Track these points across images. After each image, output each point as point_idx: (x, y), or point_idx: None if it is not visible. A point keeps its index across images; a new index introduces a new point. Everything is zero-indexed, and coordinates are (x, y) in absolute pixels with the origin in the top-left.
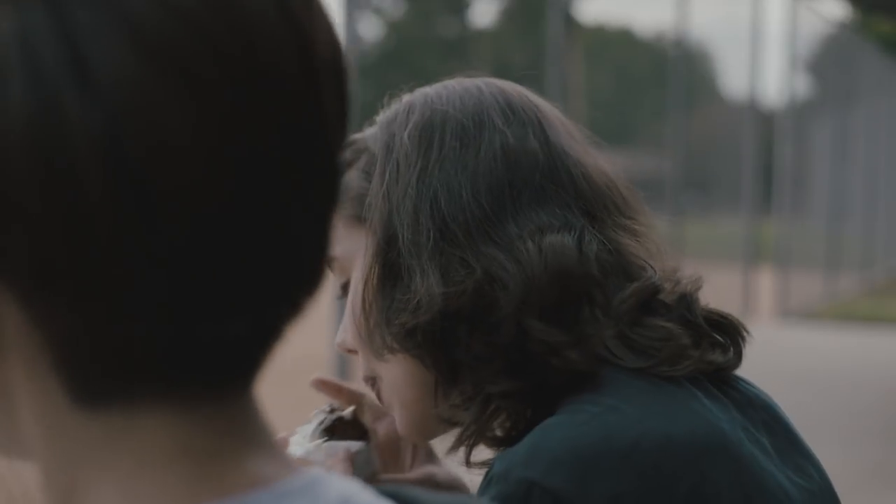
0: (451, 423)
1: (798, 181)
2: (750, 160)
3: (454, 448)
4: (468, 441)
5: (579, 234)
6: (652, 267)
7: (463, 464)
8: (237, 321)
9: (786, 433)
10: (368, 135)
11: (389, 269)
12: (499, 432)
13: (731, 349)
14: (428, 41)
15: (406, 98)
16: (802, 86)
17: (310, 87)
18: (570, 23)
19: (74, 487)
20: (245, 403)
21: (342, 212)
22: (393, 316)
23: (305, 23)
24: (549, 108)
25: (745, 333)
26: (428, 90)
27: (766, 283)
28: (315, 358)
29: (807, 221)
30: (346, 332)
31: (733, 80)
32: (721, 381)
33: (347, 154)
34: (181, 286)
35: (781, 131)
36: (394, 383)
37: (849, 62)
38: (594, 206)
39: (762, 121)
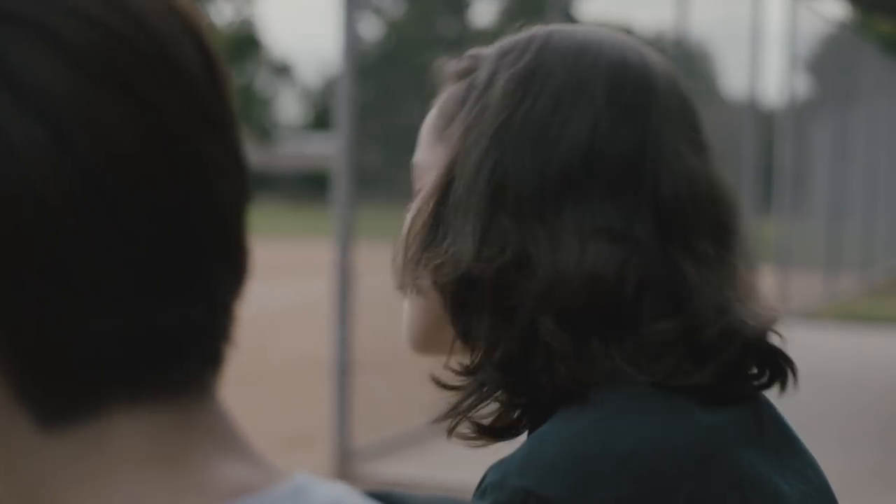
0: (443, 386)
1: (798, 181)
2: (750, 160)
3: (439, 420)
4: (453, 419)
5: (633, 249)
6: (704, 301)
7: (446, 433)
8: (194, 308)
9: (784, 434)
10: (486, 56)
11: (437, 213)
12: (484, 421)
13: (764, 381)
14: (428, 41)
15: (533, 31)
16: (802, 86)
17: (214, 81)
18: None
19: None
20: (209, 406)
21: (435, 121)
22: (424, 260)
23: (193, 17)
24: (669, 94)
25: (790, 372)
26: (555, 31)
27: (766, 283)
28: (315, 358)
29: (807, 221)
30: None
31: (733, 80)
32: None
33: (464, 63)
34: (145, 280)
35: (781, 131)
36: (413, 304)
37: (849, 62)
38: (670, 219)
39: (762, 121)
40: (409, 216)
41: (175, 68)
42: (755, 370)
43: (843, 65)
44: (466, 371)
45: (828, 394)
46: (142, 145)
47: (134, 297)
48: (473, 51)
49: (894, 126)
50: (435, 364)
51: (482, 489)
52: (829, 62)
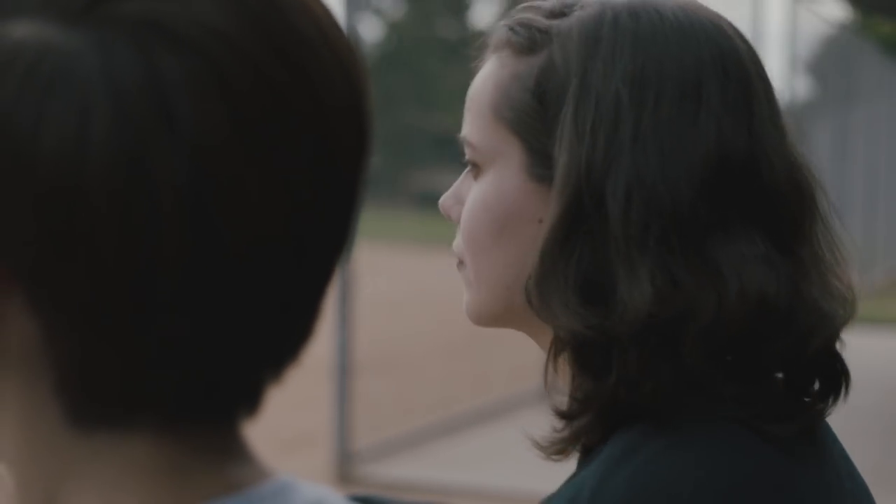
0: (563, 416)
1: None
2: None
3: (557, 451)
4: (570, 445)
5: (779, 274)
6: (810, 313)
7: (554, 455)
8: (257, 373)
9: (844, 457)
10: (559, 35)
11: (571, 232)
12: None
13: (828, 403)
14: (428, 42)
15: (607, 12)
16: (802, 87)
17: (361, 152)
18: None
19: (53, 499)
20: (229, 424)
21: (493, 99)
22: (571, 294)
23: (361, 86)
24: (759, 76)
25: (844, 385)
26: (636, 10)
27: None
28: (315, 358)
29: None
30: (460, 241)
31: None
32: None
33: (522, 36)
34: (223, 336)
35: None
36: (491, 292)
37: (849, 63)
38: (780, 227)
39: None
40: (476, 201)
41: (327, 130)
42: (817, 384)
43: (844, 66)
44: (586, 400)
45: None
46: (259, 202)
47: (203, 351)
48: (525, 15)
49: (894, 127)
50: (433, 365)
51: None
52: (829, 63)
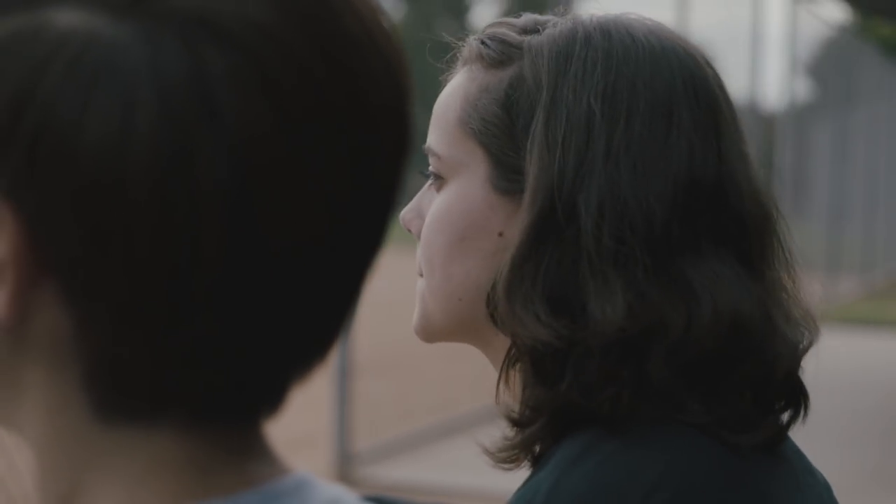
0: (516, 423)
1: (798, 184)
2: None
3: (503, 457)
4: (520, 450)
5: (751, 295)
6: (779, 339)
7: (504, 464)
8: (285, 373)
9: (798, 455)
10: (529, 51)
11: (539, 246)
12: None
13: (789, 419)
14: (428, 43)
15: (579, 30)
16: (802, 89)
17: (402, 153)
18: None
19: (75, 489)
20: (258, 423)
21: (461, 111)
22: (539, 304)
23: (406, 87)
24: (727, 104)
25: (803, 407)
26: (607, 29)
27: None
28: None
29: (807, 224)
30: (421, 253)
31: (733, 82)
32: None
33: (494, 50)
34: (255, 336)
35: (782, 134)
36: (447, 305)
37: (849, 65)
38: (747, 250)
39: (762, 124)
40: (439, 211)
41: (369, 131)
42: (781, 403)
43: (844, 68)
44: (539, 407)
45: (827, 396)
46: (304, 202)
47: (237, 352)
48: (497, 30)
49: (894, 129)
50: (434, 367)
51: None
52: (829, 65)
